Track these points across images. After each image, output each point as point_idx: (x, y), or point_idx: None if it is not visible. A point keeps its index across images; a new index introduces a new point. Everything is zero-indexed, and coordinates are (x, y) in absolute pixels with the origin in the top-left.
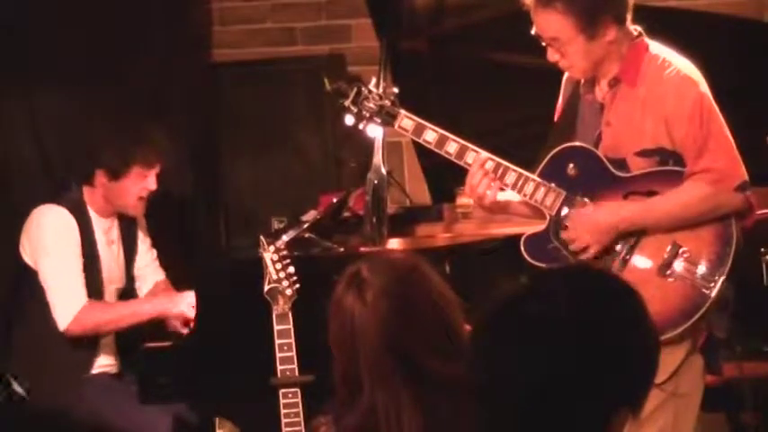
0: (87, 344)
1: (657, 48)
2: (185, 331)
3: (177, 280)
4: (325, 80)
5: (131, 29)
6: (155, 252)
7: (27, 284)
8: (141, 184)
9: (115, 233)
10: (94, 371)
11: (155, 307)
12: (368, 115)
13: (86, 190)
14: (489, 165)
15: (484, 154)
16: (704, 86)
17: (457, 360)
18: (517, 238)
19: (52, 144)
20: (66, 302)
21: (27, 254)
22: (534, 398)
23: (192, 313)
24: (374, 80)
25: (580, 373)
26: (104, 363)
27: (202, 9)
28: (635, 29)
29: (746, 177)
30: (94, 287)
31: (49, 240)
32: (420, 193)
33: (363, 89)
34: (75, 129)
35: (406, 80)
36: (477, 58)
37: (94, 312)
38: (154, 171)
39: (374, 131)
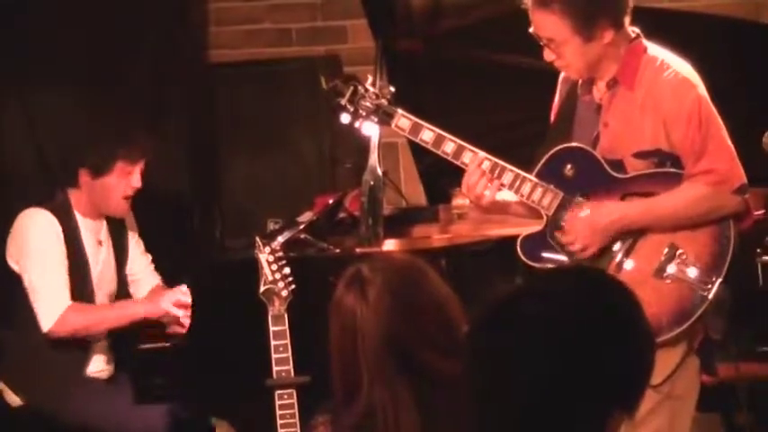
0: (80, 347)
1: (656, 50)
2: (182, 331)
3: (173, 281)
4: (322, 78)
5: (129, 29)
6: (149, 257)
7: (14, 289)
8: (125, 180)
9: (104, 234)
10: (89, 374)
11: (139, 309)
12: (364, 114)
13: (72, 193)
14: (486, 164)
15: (481, 154)
16: (702, 89)
17: (456, 358)
18: (512, 239)
19: (49, 146)
20: (50, 304)
21: (12, 258)
22: (531, 398)
23: (175, 311)
24: (371, 78)
25: (576, 373)
26: (99, 366)
27: (199, 9)
28: (633, 30)
29: (745, 180)
30: (84, 292)
31: (31, 243)
32: (416, 194)
33: (360, 88)
34: (65, 130)
35: (401, 81)
36: (473, 58)
37: (78, 314)
38: (138, 167)
39: (369, 130)
